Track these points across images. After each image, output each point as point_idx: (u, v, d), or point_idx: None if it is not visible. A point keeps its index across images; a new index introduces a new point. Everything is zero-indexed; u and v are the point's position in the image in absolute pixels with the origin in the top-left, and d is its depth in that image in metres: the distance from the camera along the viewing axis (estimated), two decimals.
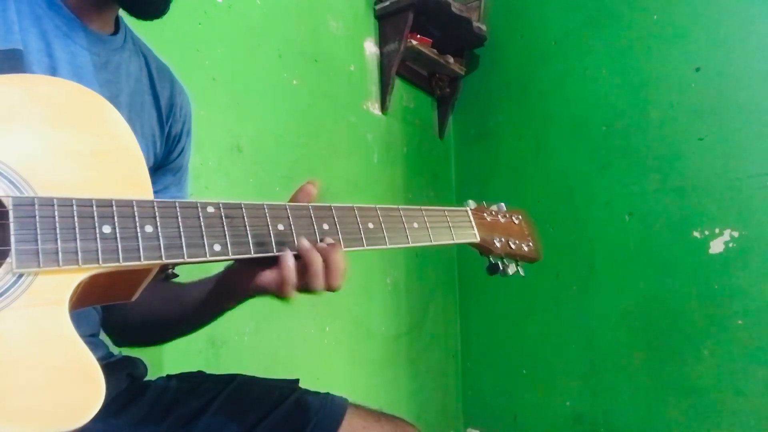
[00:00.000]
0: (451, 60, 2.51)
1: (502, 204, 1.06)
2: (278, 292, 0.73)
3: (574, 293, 2.29)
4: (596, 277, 2.24)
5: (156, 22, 0.87)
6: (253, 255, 0.69)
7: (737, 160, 1.98)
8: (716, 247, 1.99)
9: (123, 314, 0.93)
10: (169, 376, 0.98)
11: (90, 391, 0.50)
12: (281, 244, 0.71)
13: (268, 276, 0.74)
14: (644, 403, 2.10)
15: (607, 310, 2.20)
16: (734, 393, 1.93)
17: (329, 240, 0.75)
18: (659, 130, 2.15)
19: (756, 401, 1.89)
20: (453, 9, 2.36)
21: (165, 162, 0.96)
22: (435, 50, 2.43)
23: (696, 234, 2.04)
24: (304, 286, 0.73)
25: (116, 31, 0.89)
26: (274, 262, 0.73)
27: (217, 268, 0.84)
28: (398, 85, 2.40)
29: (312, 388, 0.96)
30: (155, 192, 0.93)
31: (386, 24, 2.33)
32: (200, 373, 1.00)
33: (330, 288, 0.75)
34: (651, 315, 2.11)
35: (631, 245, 2.17)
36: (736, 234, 1.96)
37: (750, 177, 1.95)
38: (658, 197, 2.12)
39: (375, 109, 2.30)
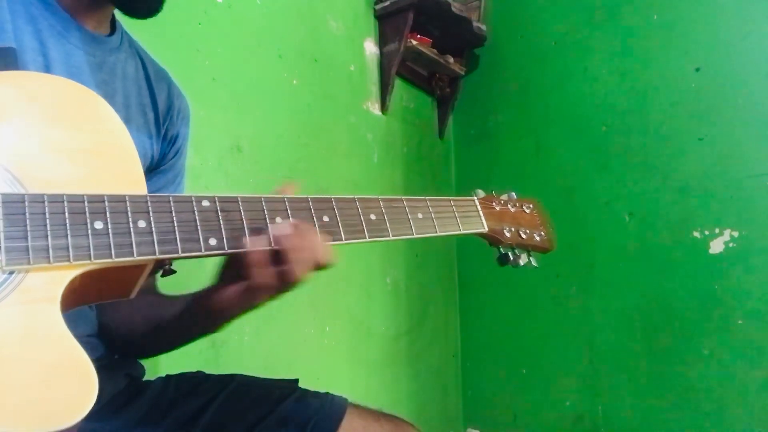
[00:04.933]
0: (451, 60, 2.50)
1: (513, 193, 1.02)
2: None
3: (574, 293, 2.28)
4: (596, 277, 2.24)
5: (156, 22, 0.86)
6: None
7: (737, 160, 1.98)
8: (716, 247, 1.99)
9: (111, 327, 0.91)
10: (168, 376, 0.98)
11: (83, 388, 0.49)
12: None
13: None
14: (644, 403, 2.09)
15: (607, 310, 2.20)
16: (734, 393, 1.92)
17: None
18: (659, 130, 2.14)
19: (756, 401, 1.88)
20: (453, 9, 2.36)
21: (160, 163, 0.96)
22: (435, 50, 2.43)
23: (696, 234, 2.03)
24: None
25: (112, 32, 0.89)
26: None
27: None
28: (398, 85, 2.40)
29: (312, 388, 0.96)
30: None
31: (386, 24, 2.33)
32: (200, 373, 1.00)
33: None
34: (651, 315, 2.10)
35: (631, 245, 2.16)
36: (736, 234, 1.96)
37: (750, 177, 1.95)
38: (658, 197, 2.12)
39: (375, 109, 2.30)
